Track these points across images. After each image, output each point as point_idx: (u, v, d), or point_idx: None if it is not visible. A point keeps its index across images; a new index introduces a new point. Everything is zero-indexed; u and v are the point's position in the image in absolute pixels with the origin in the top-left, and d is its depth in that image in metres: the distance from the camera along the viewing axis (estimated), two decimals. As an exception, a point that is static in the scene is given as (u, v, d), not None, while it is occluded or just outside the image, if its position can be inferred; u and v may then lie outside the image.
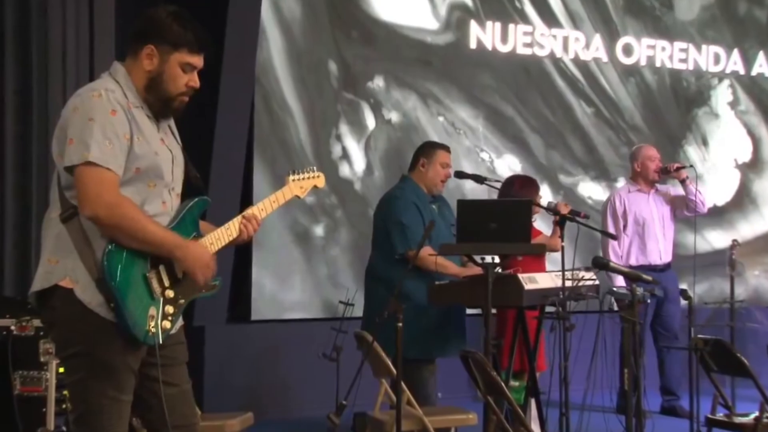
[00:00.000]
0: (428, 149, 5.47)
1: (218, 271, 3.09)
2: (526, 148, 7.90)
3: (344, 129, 7.25)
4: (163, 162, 2.98)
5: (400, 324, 4.12)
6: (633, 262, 6.60)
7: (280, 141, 7.04)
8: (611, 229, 6.61)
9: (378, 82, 7.36)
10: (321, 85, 7.18)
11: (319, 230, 7.17)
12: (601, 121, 8.20)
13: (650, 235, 6.71)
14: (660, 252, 6.71)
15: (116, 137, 2.84)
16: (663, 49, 8.43)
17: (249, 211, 3.19)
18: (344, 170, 7.25)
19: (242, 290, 6.85)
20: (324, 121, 7.17)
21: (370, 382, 4.71)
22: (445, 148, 5.49)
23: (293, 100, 7.09)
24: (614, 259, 6.38)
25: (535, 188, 5.74)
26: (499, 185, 5.70)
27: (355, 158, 7.28)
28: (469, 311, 5.36)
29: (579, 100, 8.11)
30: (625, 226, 6.70)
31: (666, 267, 6.72)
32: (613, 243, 6.58)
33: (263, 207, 3.23)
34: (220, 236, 3.11)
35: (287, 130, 7.07)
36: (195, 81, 3.02)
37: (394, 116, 7.41)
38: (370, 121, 7.34)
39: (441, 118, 7.59)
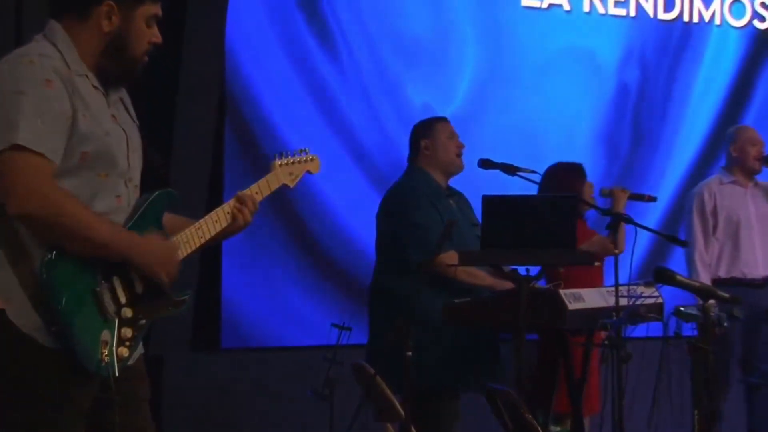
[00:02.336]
0: (425, 128, 5.52)
1: (182, 285, 3.09)
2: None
3: (309, 90, 7.20)
4: (115, 145, 2.97)
5: (409, 353, 4.11)
6: (722, 273, 6.54)
7: (252, 112, 6.98)
8: (698, 232, 6.54)
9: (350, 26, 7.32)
10: (286, 33, 7.15)
11: (295, 224, 7.11)
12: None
13: (746, 239, 6.61)
14: (758, 262, 6.64)
15: (51, 114, 2.83)
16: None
17: (244, 192, 3.24)
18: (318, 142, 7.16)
19: (210, 310, 6.84)
20: (289, 81, 7.13)
21: (371, 426, 4.70)
22: (443, 119, 5.59)
23: (264, 58, 7.05)
24: (701, 270, 6.37)
25: (580, 175, 5.70)
26: (536, 177, 5.58)
27: (319, 126, 7.23)
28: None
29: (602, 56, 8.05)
30: (715, 228, 6.64)
31: (766, 282, 6.66)
32: (700, 248, 6.51)
33: (258, 190, 3.28)
34: (203, 229, 3.13)
35: (259, 97, 7.01)
36: (157, 35, 3.06)
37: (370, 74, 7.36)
38: (343, 79, 7.28)
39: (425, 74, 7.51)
